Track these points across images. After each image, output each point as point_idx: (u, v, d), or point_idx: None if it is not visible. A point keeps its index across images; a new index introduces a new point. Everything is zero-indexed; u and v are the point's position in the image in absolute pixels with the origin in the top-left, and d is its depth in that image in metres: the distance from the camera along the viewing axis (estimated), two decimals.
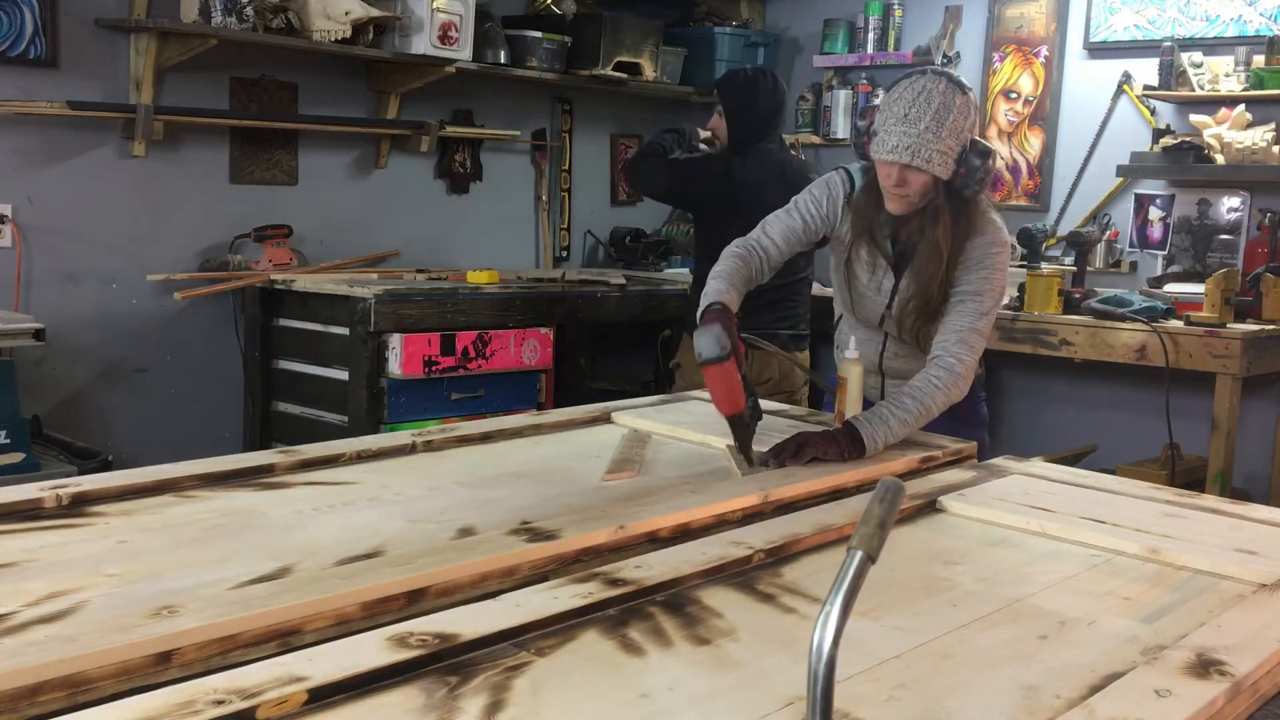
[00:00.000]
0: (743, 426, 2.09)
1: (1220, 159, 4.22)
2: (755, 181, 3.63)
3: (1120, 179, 4.59)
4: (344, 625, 1.31)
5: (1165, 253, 4.54)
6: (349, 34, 4.25)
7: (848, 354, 2.38)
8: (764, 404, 2.28)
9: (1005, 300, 4.19)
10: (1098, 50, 4.74)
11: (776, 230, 2.47)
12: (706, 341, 2.09)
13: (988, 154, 2.30)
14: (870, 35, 5.32)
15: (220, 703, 1.05)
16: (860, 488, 1.99)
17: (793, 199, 2.51)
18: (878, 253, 2.46)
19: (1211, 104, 4.32)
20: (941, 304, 2.37)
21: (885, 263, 2.46)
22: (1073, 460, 4.02)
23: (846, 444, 2.14)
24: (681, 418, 2.41)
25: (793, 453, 2.10)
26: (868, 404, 2.40)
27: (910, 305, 2.42)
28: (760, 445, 2.11)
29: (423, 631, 1.24)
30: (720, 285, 2.29)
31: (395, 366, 3.95)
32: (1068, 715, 1.13)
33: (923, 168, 2.24)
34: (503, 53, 4.83)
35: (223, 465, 1.89)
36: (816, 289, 3.87)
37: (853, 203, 2.45)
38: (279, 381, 4.36)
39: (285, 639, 1.26)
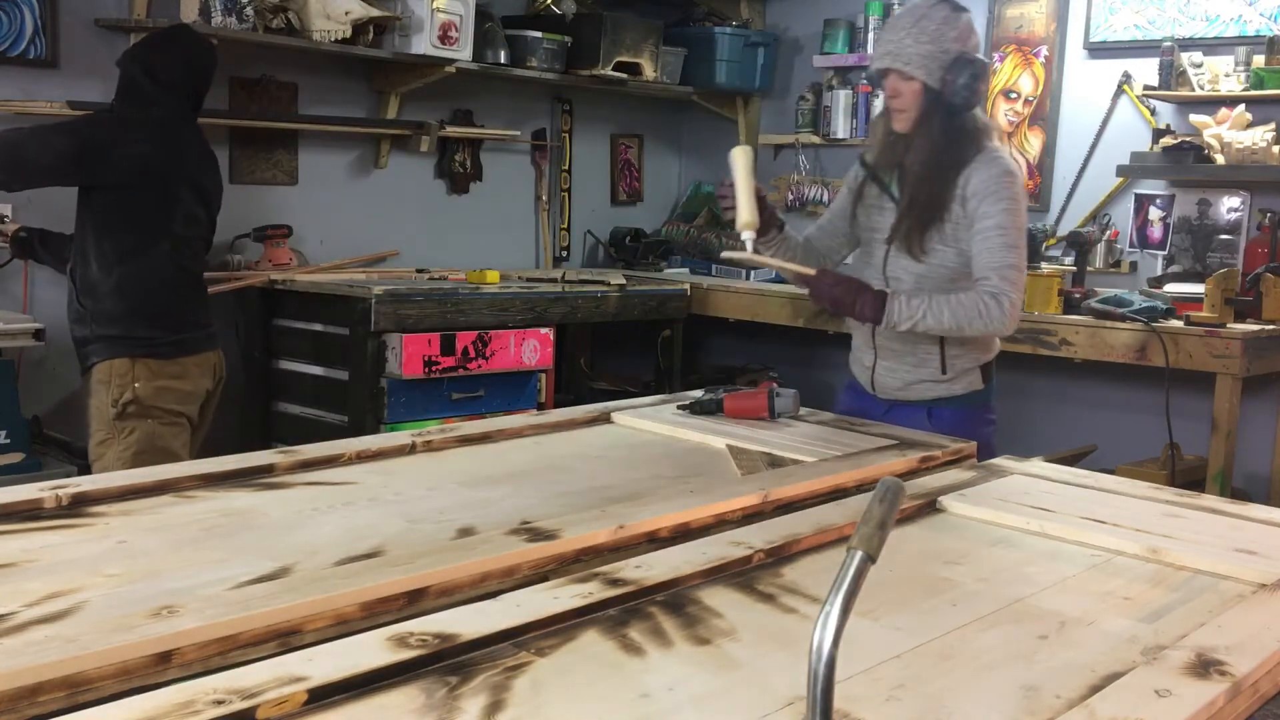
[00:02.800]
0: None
1: (1220, 159, 4.22)
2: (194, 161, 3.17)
3: (1120, 179, 4.58)
4: (344, 625, 1.31)
5: (1165, 253, 4.54)
6: (349, 34, 4.25)
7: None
8: None
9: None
10: (1098, 50, 4.74)
11: (823, 218, 2.73)
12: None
13: (974, 62, 2.36)
14: (870, 35, 5.30)
15: (220, 703, 1.06)
16: (860, 488, 1.99)
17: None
18: (884, 194, 2.54)
19: (1211, 104, 4.32)
20: (941, 210, 2.41)
21: (891, 201, 2.53)
22: (1073, 460, 4.02)
23: (868, 308, 2.27)
24: (682, 417, 2.41)
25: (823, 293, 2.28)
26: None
27: (908, 206, 2.47)
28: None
29: (423, 631, 1.24)
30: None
31: (395, 366, 3.95)
32: (1068, 715, 1.13)
33: (903, 69, 2.34)
34: (503, 53, 4.83)
35: (223, 465, 1.89)
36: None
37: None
38: (279, 381, 4.35)
39: (285, 639, 1.26)
